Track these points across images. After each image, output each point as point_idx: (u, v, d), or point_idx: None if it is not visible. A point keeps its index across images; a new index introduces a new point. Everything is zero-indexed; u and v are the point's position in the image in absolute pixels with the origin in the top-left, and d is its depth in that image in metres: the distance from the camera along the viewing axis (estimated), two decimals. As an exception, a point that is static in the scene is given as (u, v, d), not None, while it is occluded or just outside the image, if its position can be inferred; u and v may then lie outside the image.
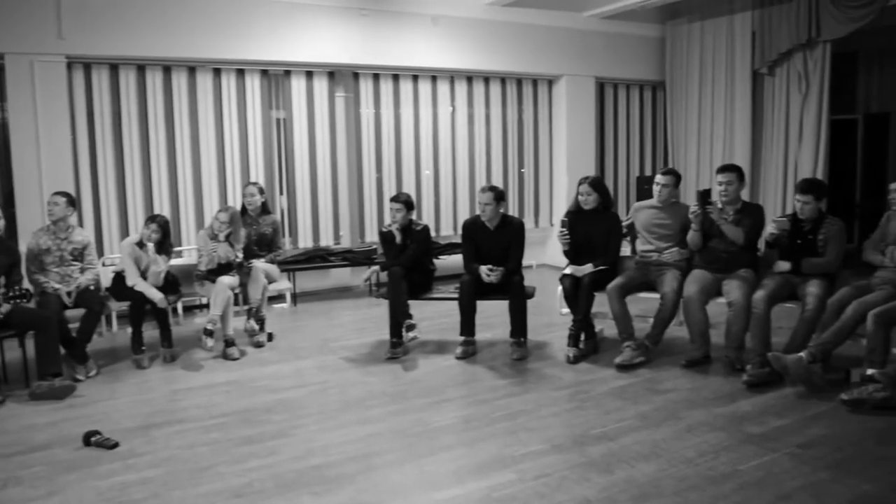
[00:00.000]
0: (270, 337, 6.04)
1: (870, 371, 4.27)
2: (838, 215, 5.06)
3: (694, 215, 5.06)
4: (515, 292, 5.30)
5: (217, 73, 7.63)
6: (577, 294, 5.21)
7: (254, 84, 7.83)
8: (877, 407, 4.11)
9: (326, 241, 8.24)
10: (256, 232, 6.31)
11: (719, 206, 5.10)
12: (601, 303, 5.35)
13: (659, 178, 5.46)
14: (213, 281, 5.60)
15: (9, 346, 5.09)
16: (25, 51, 6.56)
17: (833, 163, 8.41)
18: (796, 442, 3.76)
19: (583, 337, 5.36)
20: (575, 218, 5.45)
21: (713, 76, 9.16)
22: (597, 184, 5.42)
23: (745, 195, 5.74)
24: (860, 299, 4.49)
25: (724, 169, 5.21)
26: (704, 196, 5.05)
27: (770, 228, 4.99)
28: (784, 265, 4.92)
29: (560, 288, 5.38)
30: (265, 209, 6.52)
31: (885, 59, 9.97)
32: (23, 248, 5.32)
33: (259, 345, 5.87)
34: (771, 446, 3.71)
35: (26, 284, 5.06)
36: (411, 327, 5.26)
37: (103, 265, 6.23)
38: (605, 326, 5.84)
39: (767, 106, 8.69)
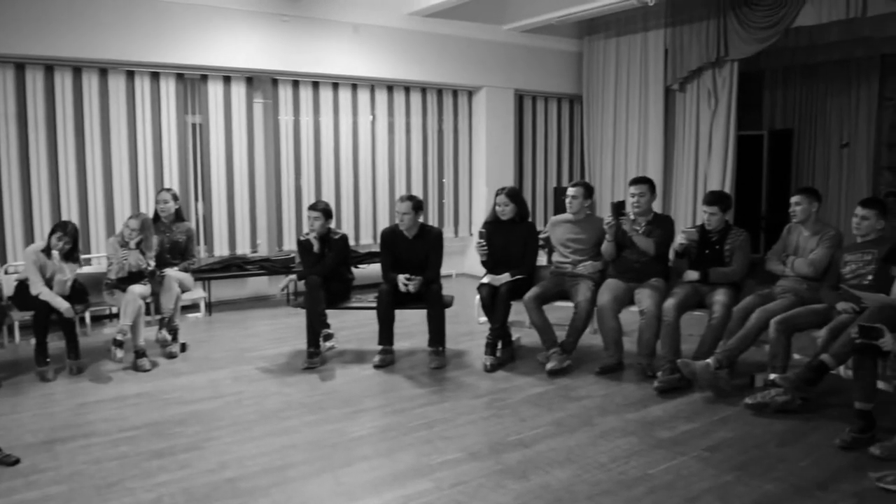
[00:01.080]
0: (184, 347, 5.88)
1: (772, 376, 4.46)
2: (745, 227, 5.29)
3: (608, 226, 5.21)
4: (433, 301, 5.32)
5: (130, 75, 7.40)
6: (495, 303, 5.26)
7: (169, 88, 7.62)
8: (778, 410, 4.30)
9: (243, 249, 8.09)
10: (170, 239, 6.14)
11: (632, 217, 5.25)
12: (518, 312, 5.42)
13: (570, 190, 5.59)
14: (124, 290, 5.42)
15: None
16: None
17: (740, 176, 8.77)
18: (704, 445, 3.90)
19: (500, 345, 5.42)
20: (492, 228, 5.52)
21: (628, 91, 9.41)
22: (513, 194, 5.50)
23: (657, 207, 5.93)
24: (763, 307, 4.69)
25: (636, 181, 5.38)
26: (618, 208, 5.20)
27: (679, 239, 5.17)
28: (693, 274, 5.10)
29: (478, 297, 5.43)
30: (179, 216, 6.35)
31: (788, 77, 10.48)
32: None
33: (171, 356, 5.70)
34: (680, 450, 3.83)
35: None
36: (329, 337, 5.21)
37: (6, 273, 5.95)
38: (522, 335, 5.92)
39: (679, 121, 8.98)
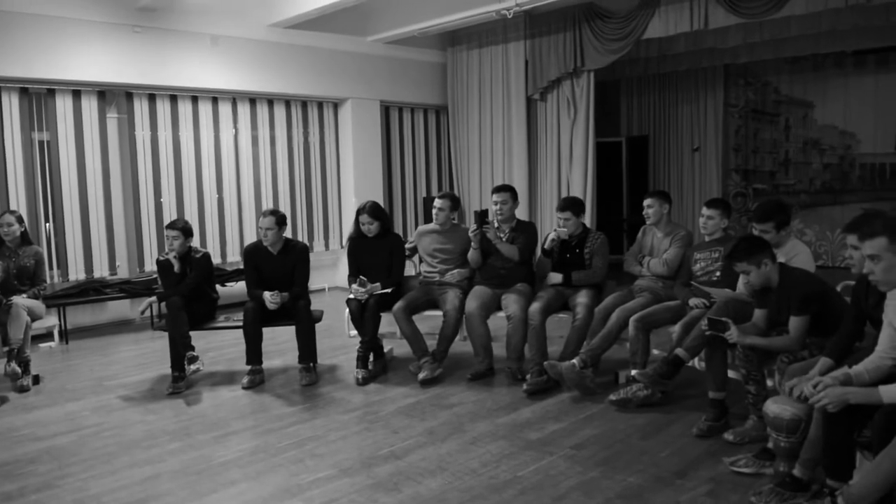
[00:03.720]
0: (36, 379, 5.50)
1: (633, 372, 4.66)
2: (608, 230, 5.52)
3: (473, 235, 5.30)
4: (302, 317, 5.24)
5: (-34, 90, 6.91)
6: (364, 316, 5.23)
7: (11, 103, 7.15)
8: (640, 405, 4.50)
9: (101, 272, 7.67)
10: (16, 265, 5.75)
11: (496, 225, 5.36)
12: (389, 323, 5.41)
13: (436, 201, 5.65)
14: (-36, 321, 5.04)
15: None
16: None
17: (601, 181, 9.15)
18: (571, 444, 4.03)
19: (372, 358, 5.40)
20: (357, 243, 5.51)
21: (491, 101, 9.61)
22: (376, 212, 5.49)
23: (523, 214, 6.08)
24: (622, 306, 4.90)
25: (498, 189, 5.50)
26: (482, 216, 5.30)
27: (551, 235, 5.29)
28: (556, 277, 5.25)
29: (347, 311, 5.39)
30: (25, 239, 5.96)
31: (643, 86, 11.05)
32: None
33: (23, 389, 5.32)
34: (548, 450, 3.94)
35: None
36: (193, 359, 5.04)
37: None
38: (394, 346, 5.92)
39: (541, 129, 9.25)
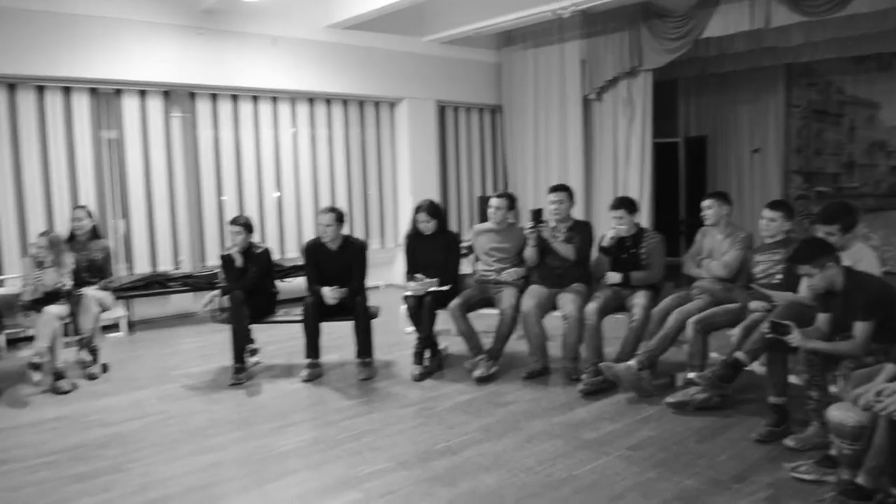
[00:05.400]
0: (105, 368, 5.72)
1: (691, 375, 4.61)
2: (664, 231, 5.47)
3: (528, 234, 5.33)
4: (359, 313, 5.33)
5: (40, 90, 7.18)
6: (421, 313, 5.30)
7: (82, 103, 7.42)
8: (698, 408, 4.45)
9: (165, 265, 7.92)
10: (86, 258, 5.96)
11: (552, 224, 5.38)
12: (445, 320, 5.46)
13: (493, 201, 5.68)
14: (39, 311, 5.25)
15: None
16: None
17: (658, 182, 9.06)
18: (627, 444, 4.01)
19: (428, 354, 5.46)
20: (414, 241, 5.57)
21: (546, 101, 9.60)
22: (433, 210, 5.55)
23: (580, 214, 6.07)
24: (681, 308, 4.85)
25: (554, 189, 5.50)
26: (536, 215, 5.32)
27: (609, 233, 5.28)
28: (614, 277, 5.23)
29: (403, 307, 5.46)
30: (95, 234, 6.18)
31: (701, 86, 10.88)
32: None
33: (92, 377, 5.54)
34: (604, 450, 3.93)
35: None
36: (254, 352, 5.16)
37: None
38: (449, 343, 5.97)
39: (597, 129, 9.22)
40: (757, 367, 4.45)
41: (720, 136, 10.82)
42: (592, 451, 3.93)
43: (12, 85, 7.01)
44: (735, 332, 4.48)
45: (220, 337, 5.79)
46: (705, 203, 5.15)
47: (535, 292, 5.30)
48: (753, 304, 4.58)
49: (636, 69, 8.51)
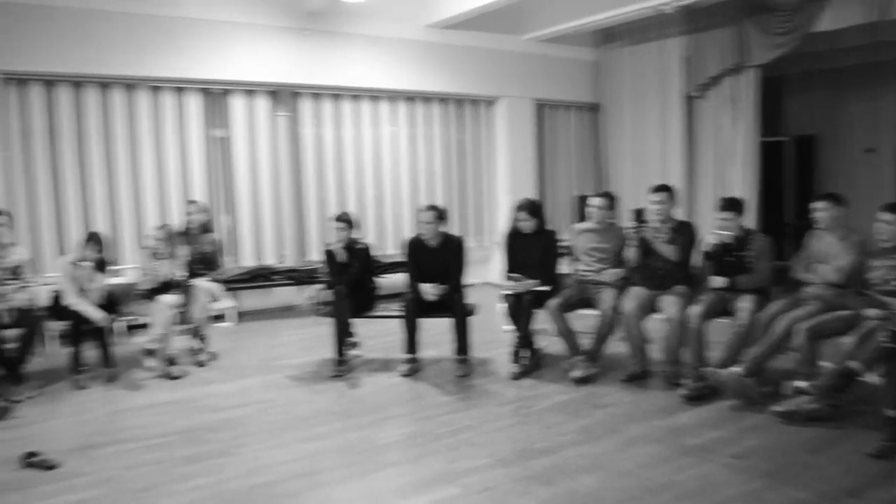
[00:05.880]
0: (213, 356, 5.98)
1: (800, 383, 4.43)
2: (770, 234, 5.28)
3: (630, 234, 5.25)
4: (457, 310, 5.37)
5: (155, 91, 7.55)
6: (519, 311, 5.30)
7: (194, 103, 7.77)
8: (808, 418, 4.26)
9: (270, 259, 8.20)
10: (198, 251, 6.24)
11: (654, 225, 5.28)
12: (543, 319, 5.45)
13: (593, 200, 5.62)
14: (155, 300, 5.54)
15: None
16: (-44, 66, 6.42)
17: (764, 183, 8.75)
18: (731, 452, 3.89)
19: (525, 353, 5.45)
20: (513, 240, 5.57)
21: (646, 99, 9.44)
22: (533, 209, 5.53)
23: (681, 214, 5.94)
24: (790, 314, 4.68)
25: (656, 189, 5.39)
26: (638, 215, 5.25)
27: (711, 239, 5.16)
28: (719, 281, 5.09)
29: (501, 305, 5.47)
30: (206, 228, 6.46)
31: (810, 82, 10.43)
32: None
33: (201, 364, 5.81)
34: (707, 457, 3.83)
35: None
36: (355, 345, 5.28)
37: (43, 284, 6.08)
38: (547, 343, 5.94)
39: (699, 128, 8.99)
40: (872, 377, 4.24)
41: (830, 134, 10.35)
42: (695, 457, 3.84)
43: (130, 85, 7.40)
44: (848, 341, 4.29)
45: (322, 330, 5.95)
46: (818, 205, 4.94)
47: (636, 294, 5.22)
48: (869, 312, 4.37)
49: (741, 65, 8.25)
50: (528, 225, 5.48)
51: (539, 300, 5.33)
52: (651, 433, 4.20)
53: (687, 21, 8.62)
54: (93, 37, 6.94)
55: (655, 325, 5.28)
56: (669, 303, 5.07)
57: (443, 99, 9.34)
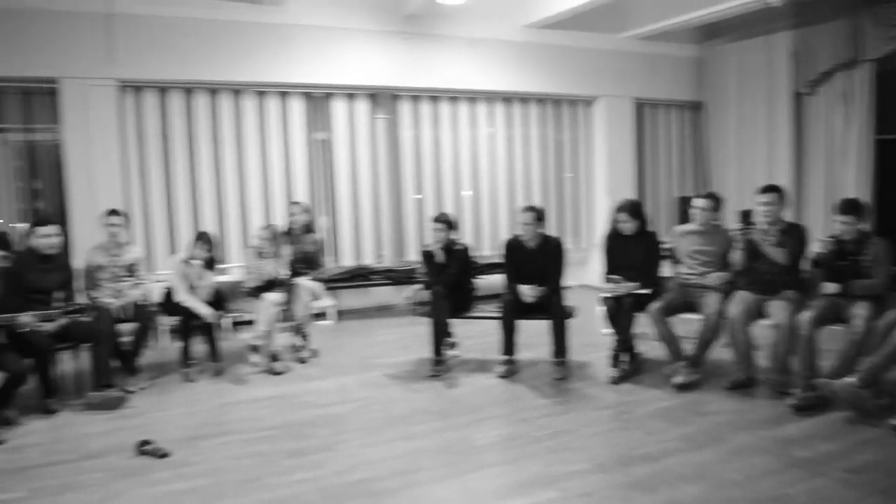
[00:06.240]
0: (314, 353, 6.14)
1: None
2: (888, 237, 4.99)
3: (737, 235, 5.08)
4: (556, 312, 5.32)
5: (261, 95, 7.82)
6: (619, 314, 5.21)
7: (297, 106, 8.00)
8: (928, 433, 4.04)
9: (368, 259, 8.36)
10: (300, 250, 6.42)
11: (762, 227, 5.08)
12: (644, 323, 5.33)
13: (697, 201, 5.45)
14: (259, 297, 5.73)
15: (65, 357, 5.22)
16: (80, 75, 6.83)
17: (880, 184, 8.30)
18: (845, 466, 3.70)
19: (625, 358, 5.35)
20: (613, 241, 5.47)
21: (752, 96, 9.12)
22: (634, 210, 5.41)
23: (790, 216, 5.71)
24: (909, 322, 4.43)
25: (765, 190, 5.18)
26: (745, 217, 5.06)
27: (818, 248, 4.93)
28: (832, 286, 4.86)
29: (601, 308, 5.39)
30: (308, 228, 6.64)
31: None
32: (79, 264, 5.48)
33: (303, 361, 5.97)
34: (819, 470, 3.66)
35: (81, 299, 5.22)
36: (453, 345, 5.31)
37: (156, 282, 6.38)
38: (648, 347, 5.81)
39: (809, 126, 8.62)
40: None
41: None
42: (806, 470, 3.67)
43: (237, 91, 7.69)
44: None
45: (419, 329, 6.01)
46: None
47: (742, 298, 5.03)
48: None
49: (854, 60, 7.86)
50: (628, 226, 5.37)
51: (639, 303, 5.22)
52: (758, 443, 4.04)
53: (795, 14, 8.27)
54: (203, 45, 7.27)
55: (762, 332, 5.10)
56: (778, 308, 4.87)
57: (540, 99, 9.29)
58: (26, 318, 4.53)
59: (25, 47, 6.62)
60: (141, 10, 7.01)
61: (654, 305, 5.17)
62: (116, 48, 6.93)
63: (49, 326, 4.76)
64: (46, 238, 4.98)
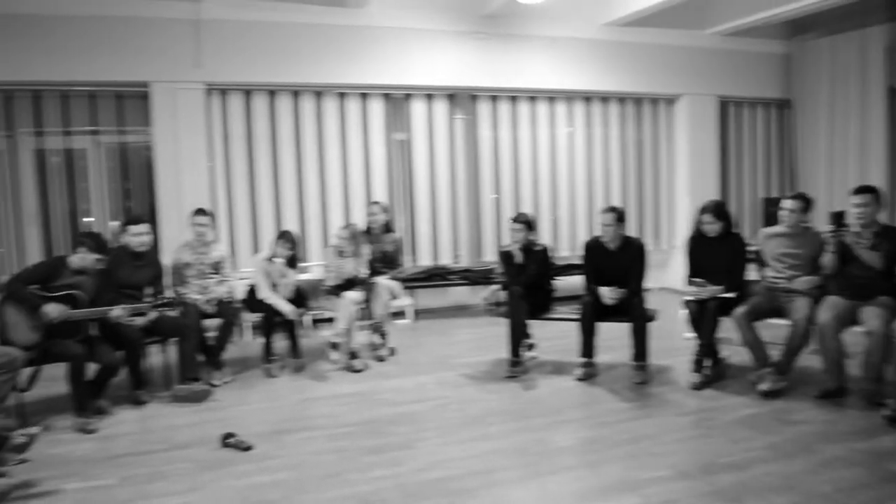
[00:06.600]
0: (392, 351, 6.21)
1: None
2: None
3: (829, 238, 4.89)
4: (637, 315, 5.23)
5: (342, 97, 7.95)
6: (702, 318, 5.08)
7: (376, 107, 8.10)
8: None
9: (445, 259, 8.40)
10: (379, 249, 6.50)
11: (855, 229, 4.88)
12: (728, 328, 5.19)
13: (786, 203, 5.25)
14: (339, 296, 5.82)
15: (153, 351, 5.43)
16: (169, 79, 7.09)
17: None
18: (945, 483, 3.54)
19: (708, 363, 5.22)
20: (697, 243, 5.34)
21: (844, 93, 8.77)
22: (719, 211, 5.26)
23: (884, 218, 5.45)
24: None
25: (859, 190, 4.96)
26: (838, 219, 4.87)
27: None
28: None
29: (683, 311, 5.27)
30: (388, 227, 6.71)
31: None
32: (167, 261, 5.68)
33: (381, 359, 6.05)
34: (916, 486, 3.51)
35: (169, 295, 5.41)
36: (531, 347, 5.28)
37: (240, 279, 6.56)
38: (732, 353, 5.66)
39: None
40: None
41: None
42: (902, 485, 3.52)
43: (318, 92, 7.84)
44: None
45: (495, 330, 6.01)
46: None
47: (833, 304, 4.84)
48: None
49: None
50: (713, 228, 5.23)
51: (724, 307, 5.08)
52: (849, 456, 3.87)
53: (891, 7, 7.90)
54: (286, 48, 7.45)
55: (854, 339, 4.89)
56: (871, 314, 4.65)
57: (621, 98, 9.15)
58: (118, 312, 4.72)
59: (119, 53, 6.91)
60: (227, 15, 7.23)
61: (740, 309, 5.02)
62: (203, 52, 7.16)
63: (140, 320, 4.96)
64: (138, 236, 5.20)
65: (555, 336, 6.25)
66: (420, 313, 7.90)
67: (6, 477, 3.69)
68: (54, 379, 4.76)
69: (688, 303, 5.21)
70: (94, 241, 4.85)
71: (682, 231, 8.59)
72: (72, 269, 4.75)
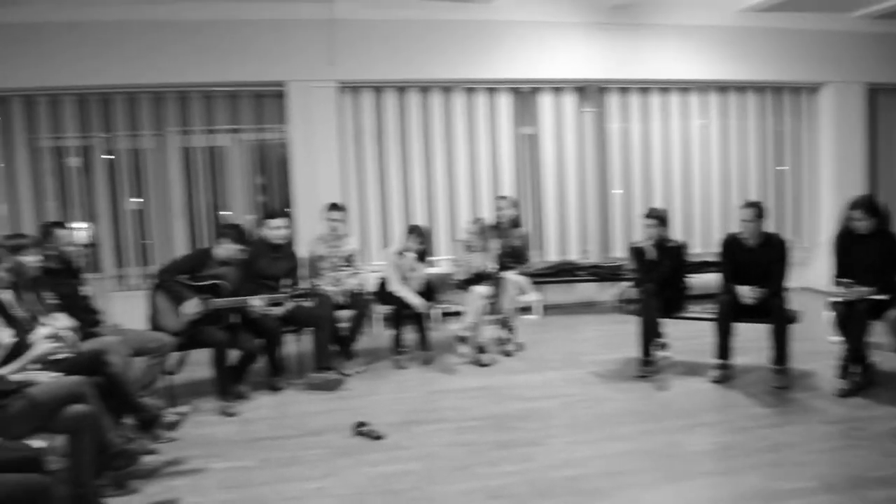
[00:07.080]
0: (520, 347, 6.21)
1: None
2: None
3: None
4: (777, 315, 4.98)
5: (470, 92, 8.00)
6: (850, 321, 4.77)
7: (504, 102, 8.10)
8: None
9: (573, 255, 8.30)
10: (507, 244, 6.50)
11: None
12: (879, 332, 4.86)
13: None
14: (468, 290, 5.87)
15: (290, 340, 5.66)
16: (304, 78, 7.36)
17: None
18: None
19: (856, 369, 4.90)
20: (845, 241, 5.02)
21: None
22: (871, 207, 4.91)
23: None
24: None
25: None
26: None
27: None
28: None
29: (828, 313, 4.96)
30: (515, 222, 6.70)
31: None
32: (302, 253, 5.90)
33: (508, 353, 6.06)
34: None
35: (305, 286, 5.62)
36: (664, 346, 5.14)
37: (371, 272, 6.72)
38: (883, 359, 5.29)
39: None
40: None
41: None
42: None
43: (447, 88, 7.93)
44: None
45: (625, 328, 5.88)
46: None
47: None
48: None
49: None
50: (864, 225, 4.90)
51: (875, 310, 4.75)
52: None
53: None
54: (415, 45, 7.59)
55: None
56: None
57: (759, 88, 8.73)
58: (257, 302, 4.95)
59: (257, 55, 7.25)
60: (358, 14, 7.43)
61: (893, 313, 4.69)
62: (336, 51, 7.38)
63: (277, 310, 5.18)
64: (276, 229, 5.43)
65: (688, 336, 6.03)
66: (547, 309, 7.84)
67: (157, 454, 3.95)
68: (199, 363, 5.04)
69: (834, 304, 4.91)
70: (237, 233, 5.12)
71: (825, 228, 8.11)
72: (217, 259, 5.02)
